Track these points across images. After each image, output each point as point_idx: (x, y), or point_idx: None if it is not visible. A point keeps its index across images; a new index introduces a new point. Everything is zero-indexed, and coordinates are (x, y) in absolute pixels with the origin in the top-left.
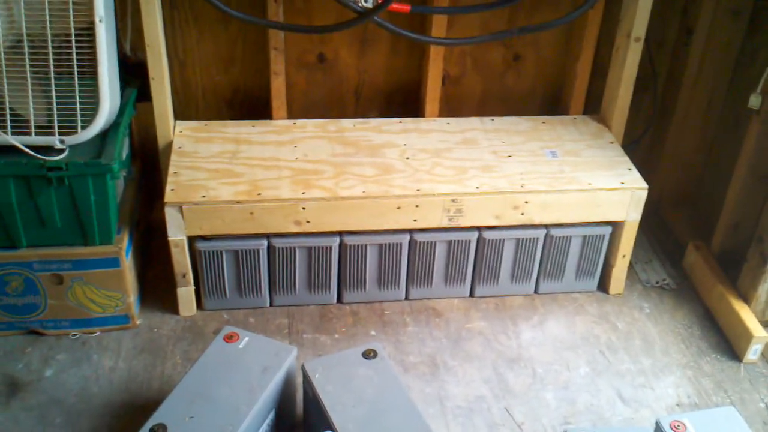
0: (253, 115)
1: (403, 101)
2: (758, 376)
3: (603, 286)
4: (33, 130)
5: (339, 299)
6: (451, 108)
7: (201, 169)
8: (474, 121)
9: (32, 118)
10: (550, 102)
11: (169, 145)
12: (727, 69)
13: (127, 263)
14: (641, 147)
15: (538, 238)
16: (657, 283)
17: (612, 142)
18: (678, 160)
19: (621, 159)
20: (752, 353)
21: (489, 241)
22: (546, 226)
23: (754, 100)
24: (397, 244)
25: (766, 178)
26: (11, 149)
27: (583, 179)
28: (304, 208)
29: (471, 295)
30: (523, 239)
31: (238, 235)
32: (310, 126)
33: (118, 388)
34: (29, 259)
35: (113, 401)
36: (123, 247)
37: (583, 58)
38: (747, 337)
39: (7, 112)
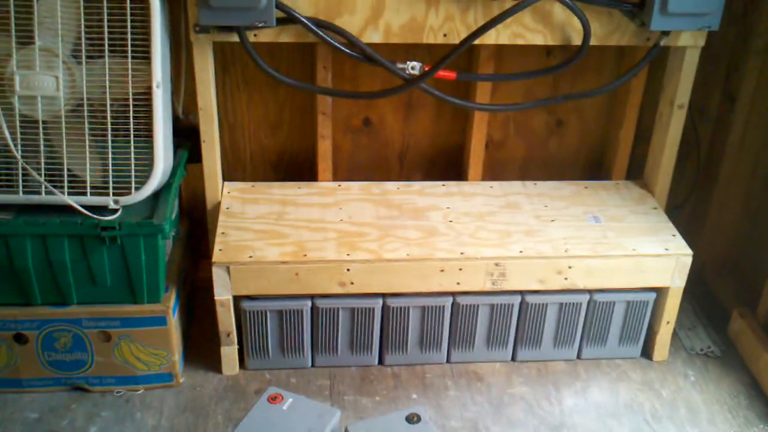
0: (299, 177)
1: (446, 165)
2: None
3: (647, 352)
4: (89, 190)
5: (380, 361)
6: (494, 172)
7: (248, 230)
8: (517, 185)
9: (88, 178)
10: (592, 167)
11: (218, 206)
12: None
13: (174, 322)
14: (684, 213)
15: (581, 303)
16: (702, 350)
17: (655, 208)
18: (722, 227)
19: (665, 225)
20: None
21: (532, 305)
22: (589, 291)
23: None
24: (439, 307)
25: None
26: (67, 208)
27: (627, 245)
28: (348, 270)
29: (513, 359)
30: (566, 304)
31: (283, 296)
32: (355, 188)
33: None
34: (79, 316)
35: None
36: (170, 306)
37: (626, 125)
38: None
39: (65, 172)
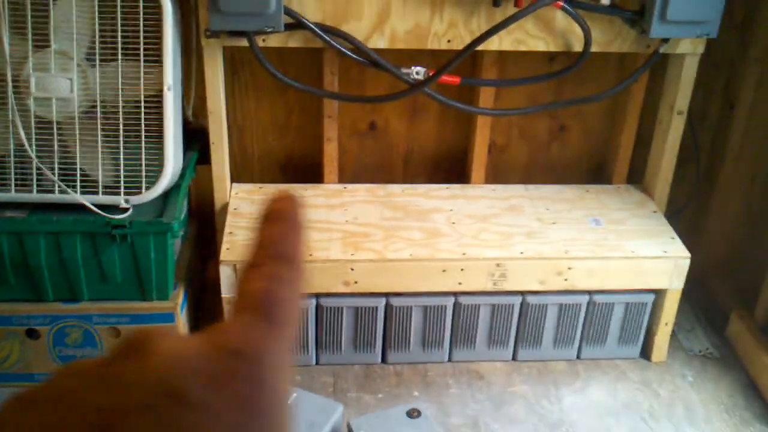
0: (306, 179)
1: (450, 168)
2: None
3: (645, 353)
4: (100, 189)
5: (383, 359)
6: (497, 175)
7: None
8: (519, 189)
9: (100, 178)
10: (594, 171)
11: (226, 207)
12: None
13: (182, 319)
14: (684, 217)
15: (581, 304)
16: (700, 351)
17: (655, 212)
18: (721, 231)
19: (664, 228)
20: None
21: (532, 305)
22: (589, 292)
23: None
24: (441, 307)
25: None
26: (79, 207)
27: (627, 247)
28: (353, 269)
29: (514, 358)
30: (566, 305)
31: None
32: (361, 190)
33: None
34: (89, 312)
35: None
36: (178, 303)
37: (627, 130)
38: None
39: (78, 172)
